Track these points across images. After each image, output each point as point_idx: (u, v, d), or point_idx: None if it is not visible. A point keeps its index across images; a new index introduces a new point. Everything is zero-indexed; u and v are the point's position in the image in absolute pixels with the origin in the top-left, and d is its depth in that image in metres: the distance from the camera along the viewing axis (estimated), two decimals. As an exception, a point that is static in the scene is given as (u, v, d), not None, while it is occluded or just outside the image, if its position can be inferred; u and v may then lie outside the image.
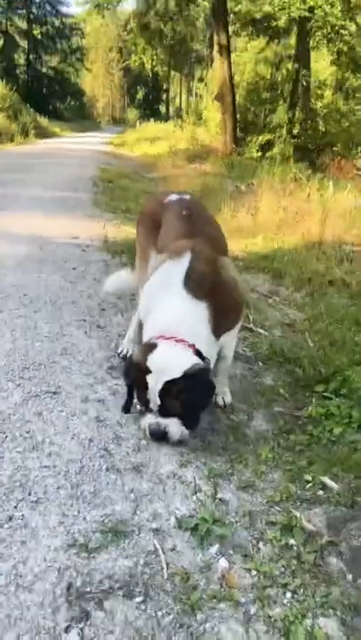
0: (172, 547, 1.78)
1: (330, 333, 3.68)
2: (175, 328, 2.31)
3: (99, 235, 5.84)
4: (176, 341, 2.28)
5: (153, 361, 2.23)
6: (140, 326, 2.93)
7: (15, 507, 1.87)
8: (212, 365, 2.48)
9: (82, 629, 1.46)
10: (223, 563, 1.74)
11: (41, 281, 4.25)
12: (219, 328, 2.43)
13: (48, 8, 36.19)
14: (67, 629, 1.45)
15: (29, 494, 1.94)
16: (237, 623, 1.53)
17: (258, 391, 2.95)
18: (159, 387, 2.21)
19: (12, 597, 1.53)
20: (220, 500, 2.04)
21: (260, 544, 1.84)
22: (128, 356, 2.79)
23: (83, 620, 1.48)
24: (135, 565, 1.69)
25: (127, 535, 1.80)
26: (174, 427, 2.28)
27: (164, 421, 2.28)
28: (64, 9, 36.63)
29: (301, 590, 1.67)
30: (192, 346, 2.29)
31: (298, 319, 4.19)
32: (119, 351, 3.14)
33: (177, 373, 2.20)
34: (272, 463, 2.30)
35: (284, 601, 1.63)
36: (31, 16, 35.93)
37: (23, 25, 36.10)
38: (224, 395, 2.78)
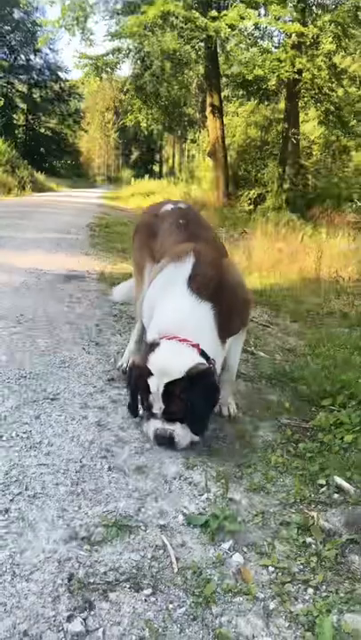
0: (181, 543, 1.65)
1: (332, 356, 3.63)
2: (178, 328, 2.21)
3: (95, 269, 5.85)
4: (179, 341, 2.18)
5: (154, 361, 2.13)
6: (141, 339, 2.88)
7: (11, 500, 1.73)
8: (218, 369, 2.39)
9: (85, 619, 1.31)
10: (238, 558, 1.60)
11: (38, 305, 4.18)
12: (224, 330, 2.35)
13: (48, 73, 38.06)
14: (69, 618, 1.30)
15: (26, 489, 1.80)
16: (257, 617, 1.39)
17: (263, 406, 2.85)
18: (161, 389, 2.10)
19: (8, 586, 1.38)
20: (231, 499, 1.91)
21: (276, 542, 1.71)
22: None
23: (86, 610, 1.33)
24: (142, 559, 1.55)
25: (132, 530, 1.67)
26: (181, 431, 2.15)
27: (169, 426, 2.15)
28: (63, 74, 38.65)
29: (324, 587, 1.53)
30: (196, 345, 2.19)
31: (298, 345, 4.14)
32: (118, 365, 3.04)
33: (178, 374, 2.08)
34: (282, 468, 2.18)
35: (306, 597, 1.49)
36: (31, 81, 37.67)
37: (24, 89, 37.76)
38: (229, 405, 2.67)
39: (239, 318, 2.52)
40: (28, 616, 1.29)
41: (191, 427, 2.16)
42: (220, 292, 2.34)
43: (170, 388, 2.09)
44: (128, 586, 1.44)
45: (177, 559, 1.56)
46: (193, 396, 2.08)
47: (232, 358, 2.61)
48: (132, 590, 1.43)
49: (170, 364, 2.11)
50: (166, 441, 2.17)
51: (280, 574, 1.56)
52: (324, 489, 2.04)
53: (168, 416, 2.15)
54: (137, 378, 2.20)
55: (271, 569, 1.58)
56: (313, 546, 1.70)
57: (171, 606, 1.39)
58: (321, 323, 4.78)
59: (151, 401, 2.14)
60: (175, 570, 1.52)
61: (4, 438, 2.11)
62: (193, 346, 2.18)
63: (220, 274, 2.44)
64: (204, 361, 2.18)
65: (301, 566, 1.60)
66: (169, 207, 3.00)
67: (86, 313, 4.11)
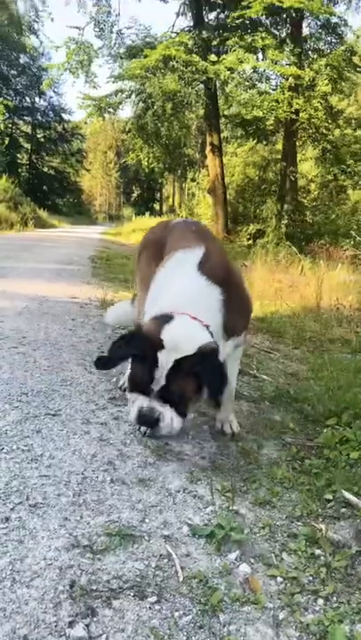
0: (185, 553, 1.60)
1: (335, 378, 3.60)
2: (190, 307, 2.06)
3: (97, 296, 5.88)
4: (191, 318, 2.04)
5: (168, 333, 1.95)
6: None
7: (12, 509, 1.69)
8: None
9: (88, 625, 1.25)
10: (245, 568, 1.55)
11: (40, 328, 4.18)
12: (229, 323, 2.21)
13: (52, 115, 39.24)
14: (71, 624, 1.24)
15: (27, 499, 1.76)
16: (266, 626, 1.33)
17: (266, 425, 2.81)
18: (170, 364, 1.93)
19: (8, 592, 1.33)
20: (237, 512, 1.86)
21: (284, 554, 1.66)
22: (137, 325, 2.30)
23: (88, 617, 1.28)
24: (146, 568, 1.49)
25: (136, 540, 1.62)
26: (169, 414, 1.97)
27: (159, 407, 1.97)
28: (66, 115, 39.84)
29: (335, 598, 1.47)
30: (207, 326, 2.06)
31: (301, 370, 4.11)
32: (120, 384, 3.01)
33: (191, 350, 1.93)
34: (288, 484, 2.13)
35: (317, 607, 1.43)
36: (36, 121, 38.78)
37: (28, 129, 38.84)
38: (231, 423, 2.62)
39: (242, 319, 2.44)
40: (28, 621, 1.24)
41: (211, 392, 2.00)
42: (228, 284, 2.24)
43: (178, 365, 1.94)
44: (132, 594, 1.39)
45: (182, 568, 1.51)
46: (206, 370, 1.96)
47: (232, 366, 2.52)
48: (136, 598, 1.37)
49: (184, 339, 1.96)
50: (151, 421, 1.98)
51: (289, 585, 1.51)
52: (331, 503, 1.99)
53: (163, 395, 1.97)
54: (144, 347, 2.00)
55: (280, 579, 1.53)
56: (322, 557, 1.64)
57: (176, 614, 1.34)
58: (323, 349, 4.76)
59: (153, 375, 1.96)
60: (180, 579, 1.46)
61: (4, 451, 2.07)
62: (205, 325, 2.07)
63: (228, 267, 2.42)
64: (215, 341, 2.06)
65: (311, 577, 1.55)
66: (180, 220, 3.04)
67: (88, 336, 4.11)
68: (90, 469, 2.02)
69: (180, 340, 1.95)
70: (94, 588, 1.38)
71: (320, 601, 1.45)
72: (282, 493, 2.06)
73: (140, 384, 2.02)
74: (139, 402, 2.01)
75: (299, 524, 1.84)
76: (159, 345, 1.95)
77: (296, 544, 1.70)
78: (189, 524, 1.73)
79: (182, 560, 1.55)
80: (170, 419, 1.98)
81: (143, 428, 2.19)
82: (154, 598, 1.38)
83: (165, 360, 1.93)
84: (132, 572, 1.47)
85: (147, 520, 1.74)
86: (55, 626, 1.24)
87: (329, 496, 2.04)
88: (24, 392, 2.72)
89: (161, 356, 1.94)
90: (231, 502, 1.88)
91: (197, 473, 2.12)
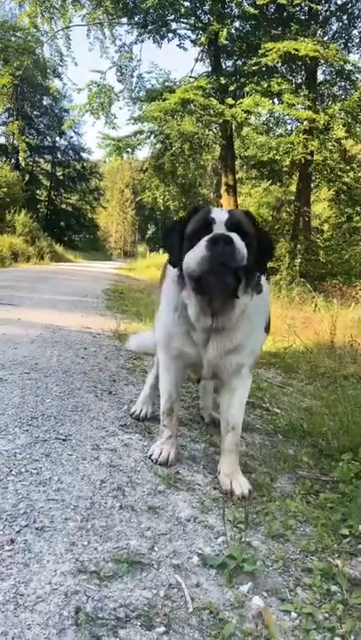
0: (195, 583, 1.53)
1: (350, 414, 3.52)
2: None
3: (110, 327, 5.89)
4: None
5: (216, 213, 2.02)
6: (156, 385, 2.81)
7: (18, 531, 1.64)
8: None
9: (93, 654, 1.19)
10: (258, 601, 1.48)
11: (53, 355, 4.18)
12: None
13: (71, 153, 40.43)
14: (74, 652, 1.19)
15: (34, 522, 1.71)
16: (280, 663, 1.26)
17: (280, 458, 2.74)
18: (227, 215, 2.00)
19: (11, 616, 1.27)
20: (249, 544, 1.79)
21: (298, 589, 1.58)
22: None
23: (94, 645, 1.22)
24: (155, 597, 1.43)
25: (144, 568, 1.56)
26: (239, 240, 1.90)
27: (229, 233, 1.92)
28: (85, 155, 41.03)
29: (352, 637, 1.39)
30: None
31: (314, 405, 4.04)
32: (132, 412, 2.98)
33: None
34: (302, 517, 2.06)
35: (333, 646, 1.35)
36: (55, 160, 39.94)
37: (48, 167, 39.96)
38: (240, 482, 2.23)
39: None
40: (30, 647, 1.19)
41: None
42: None
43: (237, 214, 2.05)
44: (139, 623, 1.32)
45: (192, 599, 1.44)
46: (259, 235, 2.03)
47: (236, 409, 2.32)
48: (143, 628, 1.31)
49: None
50: (226, 239, 1.87)
51: (304, 621, 1.43)
52: (348, 539, 1.91)
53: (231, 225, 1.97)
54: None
55: (294, 615, 1.45)
56: (338, 594, 1.57)
57: (185, 646, 1.27)
58: (337, 385, 4.69)
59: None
60: (190, 609, 1.40)
61: (13, 473, 2.04)
62: None
63: None
64: None
65: (327, 614, 1.47)
66: None
67: (100, 365, 4.09)
68: (98, 495, 1.97)
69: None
70: (100, 615, 1.33)
71: (337, 639, 1.38)
72: (296, 527, 1.99)
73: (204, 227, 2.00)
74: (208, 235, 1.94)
75: (314, 558, 1.77)
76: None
77: (311, 579, 1.63)
78: (200, 554, 1.67)
79: (192, 590, 1.49)
80: (241, 243, 1.90)
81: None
82: (162, 629, 1.32)
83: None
84: (140, 600, 1.41)
85: (156, 548, 1.68)
86: (58, 653, 1.18)
87: (345, 531, 1.96)
88: (34, 416, 2.70)
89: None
90: (243, 534, 1.82)
91: (209, 503, 2.06)
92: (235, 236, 1.90)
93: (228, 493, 2.17)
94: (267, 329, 2.41)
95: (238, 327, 2.13)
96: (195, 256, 1.93)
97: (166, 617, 1.36)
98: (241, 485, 2.20)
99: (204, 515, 1.96)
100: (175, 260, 2.10)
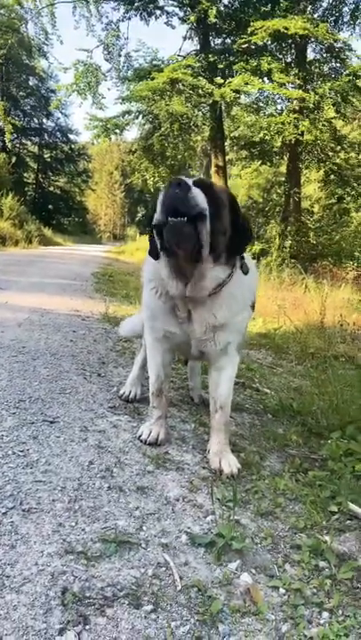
0: (184, 562, 1.53)
1: (339, 393, 3.53)
2: None
3: (99, 310, 5.84)
4: None
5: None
6: (145, 365, 2.79)
7: (4, 513, 1.62)
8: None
9: (79, 633, 1.18)
10: (246, 577, 1.48)
11: (41, 338, 4.14)
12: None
13: (59, 135, 39.79)
14: (61, 632, 1.18)
15: (20, 503, 1.69)
16: (268, 638, 1.26)
17: (269, 437, 2.74)
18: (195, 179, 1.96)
19: (-4, 597, 1.26)
20: (238, 522, 1.79)
21: (287, 565, 1.58)
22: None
23: (80, 624, 1.21)
24: (142, 576, 1.43)
25: (132, 548, 1.55)
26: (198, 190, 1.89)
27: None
28: (73, 136, 40.42)
29: (340, 611, 1.40)
30: None
31: (304, 384, 4.04)
32: (121, 393, 2.96)
33: None
34: (291, 496, 2.07)
35: (321, 621, 1.36)
36: (43, 142, 39.30)
37: (35, 149, 39.34)
38: (229, 460, 2.21)
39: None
40: (16, 627, 1.17)
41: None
42: None
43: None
44: (127, 602, 1.32)
45: (180, 577, 1.44)
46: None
47: (224, 388, 2.31)
48: (131, 607, 1.30)
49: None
50: (181, 183, 1.86)
51: (292, 597, 1.43)
52: (336, 516, 1.92)
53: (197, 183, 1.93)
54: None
55: (282, 591, 1.45)
56: (326, 569, 1.57)
57: (173, 624, 1.26)
58: (327, 365, 4.69)
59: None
60: (178, 588, 1.40)
61: (-1, 455, 2.02)
62: None
63: None
64: None
65: (315, 589, 1.48)
66: None
67: (89, 347, 4.06)
68: (86, 476, 1.96)
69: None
70: (87, 595, 1.32)
71: (325, 614, 1.38)
72: (285, 504, 1.99)
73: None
74: None
75: (302, 535, 1.77)
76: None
77: (300, 555, 1.63)
78: (188, 533, 1.67)
79: (180, 569, 1.48)
80: (199, 193, 1.88)
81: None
82: (150, 607, 1.31)
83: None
84: (128, 579, 1.40)
85: (144, 528, 1.67)
86: (45, 633, 1.17)
87: (334, 508, 1.96)
88: (22, 399, 2.67)
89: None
90: (232, 512, 1.81)
91: (198, 482, 2.05)
92: (194, 187, 1.88)
93: (218, 472, 2.16)
94: (252, 307, 2.40)
95: (221, 304, 2.12)
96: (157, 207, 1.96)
97: (154, 595, 1.36)
98: (230, 464, 2.20)
99: (192, 494, 1.95)
100: (154, 254, 2.11)
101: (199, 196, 1.87)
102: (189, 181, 1.90)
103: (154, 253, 2.13)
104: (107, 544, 1.53)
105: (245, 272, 2.12)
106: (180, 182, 1.86)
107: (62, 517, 1.65)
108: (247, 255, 2.23)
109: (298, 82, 14.44)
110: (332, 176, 15.85)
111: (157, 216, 1.94)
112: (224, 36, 17.85)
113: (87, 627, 1.21)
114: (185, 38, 18.82)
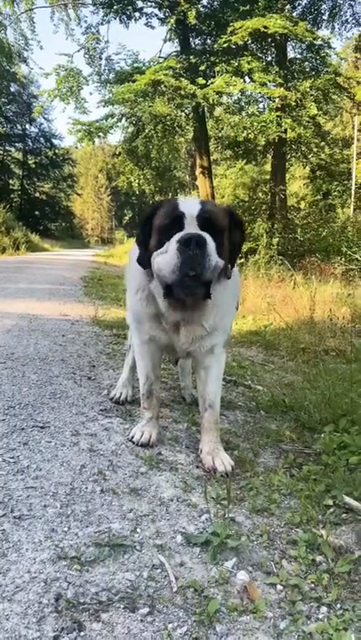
0: (179, 562, 1.50)
1: (331, 387, 3.53)
2: None
3: (89, 314, 5.81)
4: None
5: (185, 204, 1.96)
6: (134, 366, 2.76)
7: (-5, 521, 1.59)
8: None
9: (74, 640, 1.16)
10: (243, 575, 1.46)
11: (30, 344, 4.10)
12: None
13: (43, 141, 39.64)
14: (55, 639, 1.15)
15: (11, 511, 1.66)
16: (266, 636, 1.24)
17: (262, 434, 2.73)
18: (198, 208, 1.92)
19: (-12, 606, 1.23)
20: (233, 520, 1.77)
21: (284, 562, 1.57)
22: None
23: (75, 631, 1.19)
24: (138, 579, 1.40)
25: (127, 550, 1.52)
26: (211, 240, 1.87)
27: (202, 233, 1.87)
28: (57, 141, 40.28)
29: (339, 605, 1.38)
30: None
31: (296, 380, 4.03)
32: (112, 396, 2.94)
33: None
34: (286, 491, 2.05)
35: (320, 615, 1.34)
36: (27, 148, 39.13)
37: (19, 156, 39.17)
38: (222, 458, 2.19)
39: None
40: (9, 637, 1.15)
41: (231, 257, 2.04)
42: None
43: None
44: (122, 606, 1.29)
45: (176, 578, 1.42)
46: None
47: (212, 386, 2.29)
48: (126, 610, 1.28)
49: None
50: (199, 241, 1.81)
51: (290, 593, 1.42)
52: (331, 509, 1.91)
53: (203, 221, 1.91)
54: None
55: (280, 587, 1.44)
56: (323, 564, 1.55)
57: (170, 626, 1.24)
58: (318, 360, 4.70)
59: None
60: (174, 589, 1.37)
61: (-11, 463, 1.98)
62: None
63: None
64: None
65: (313, 584, 1.46)
66: None
67: (79, 351, 4.03)
68: (79, 480, 1.93)
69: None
70: (82, 600, 1.29)
71: (323, 608, 1.36)
72: (280, 500, 1.98)
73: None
74: (180, 234, 1.87)
75: (298, 530, 1.76)
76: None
77: (296, 551, 1.62)
78: (183, 533, 1.64)
79: (176, 570, 1.46)
80: (213, 246, 1.86)
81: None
82: (146, 610, 1.29)
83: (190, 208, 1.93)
84: (123, 583, 1.38)
85: (138, 530, 1.65)
86: (38, 641, 1.14)
87: (329, 502, 1.95)
88: (11, 405, 2.64)
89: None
90: (227, 510, 1.79)
91: (191, 482, 2.03)
92: (208, 238, 1.85)
93: (211, 471, 2.14)
94: (235, 307, 2.41)
95: (208, 314, 2.12)
96: (165, 261, 1.89)
97: (150, 598, 1.33)
98: (223, 462, 2.17)
99: (186, 494, 1.93)
100: (145, 263, 2.06)
101: (213, 254, 1.85)
102: (206, 237, 1.84)
103: (143, 263, 2.07)
104: (100, 548, 1.51)
105: (229, 277, 2.11)
106: (198, 240, 1.81)
107: (54, 523, 1.62)
108: None
109: (279, 80, 14.47)
110: (318, 172, 15.90)
111: (167, 275, 1.88)
112: (204, 36, 17.87)
113: (82, 633, 1.19)
114: (165, 40, 18.84)
